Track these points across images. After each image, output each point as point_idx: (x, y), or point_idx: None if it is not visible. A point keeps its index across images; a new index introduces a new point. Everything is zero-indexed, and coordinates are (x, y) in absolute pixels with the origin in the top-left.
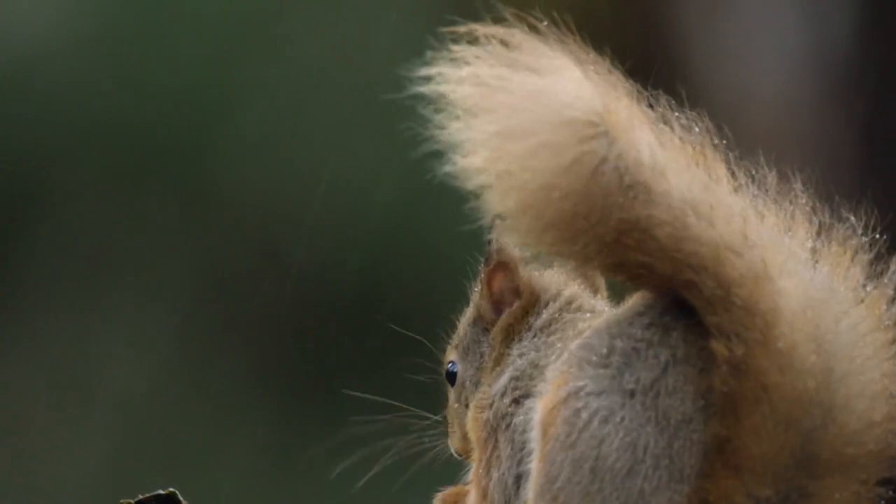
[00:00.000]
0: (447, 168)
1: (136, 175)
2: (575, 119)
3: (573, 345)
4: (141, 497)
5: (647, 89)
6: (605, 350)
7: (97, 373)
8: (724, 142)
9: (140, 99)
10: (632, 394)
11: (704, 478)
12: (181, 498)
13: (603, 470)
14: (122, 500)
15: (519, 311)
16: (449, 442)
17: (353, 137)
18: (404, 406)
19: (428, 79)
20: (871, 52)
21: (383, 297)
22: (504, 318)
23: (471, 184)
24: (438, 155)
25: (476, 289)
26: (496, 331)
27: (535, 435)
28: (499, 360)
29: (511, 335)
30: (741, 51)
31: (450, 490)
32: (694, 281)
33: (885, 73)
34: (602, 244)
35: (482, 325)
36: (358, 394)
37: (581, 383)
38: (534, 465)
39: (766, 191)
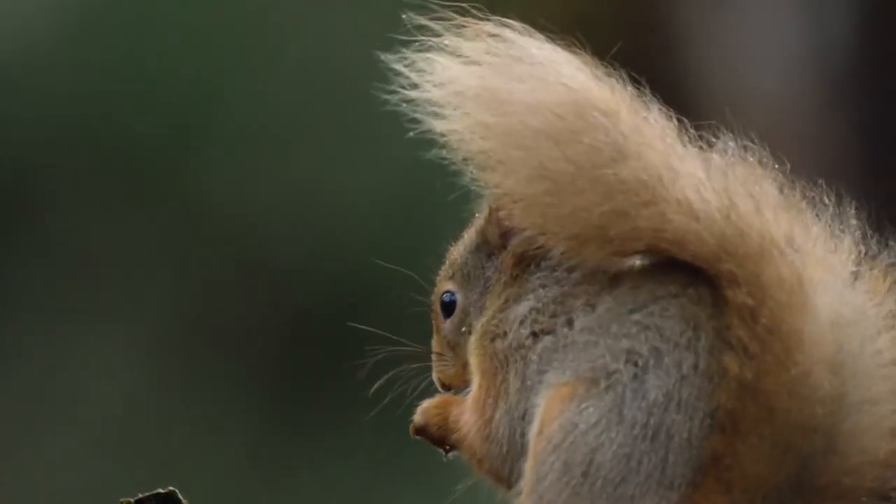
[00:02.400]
0: (443, 156)
1: (116, 185)
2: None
3: (591, 319)
4: (140, 496)
5: (647, 91)
6: (621, 362)
7: (79, 381)
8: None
9: (115, 106)
10: (634, 415)
11: (695, 488)
12: (181, 497)
13: (595, 477)
14: (122, 499)
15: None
16: (435, 374)
17: (336, 148)
18: (403, 340)
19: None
20: (871, 52)
21: (366, 303)
22: (516, 244)
23: (466, 157)
24: (423, 162)
25: (477, 215)
26: (506, 254)
27: (533, 429)
28: (511, 283)
29: (525, 259)
30: (741, 51)
31: (430, 403)
32: (735, 275)
33: (885, 73)
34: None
35: (487, 250)
36: (363, 326)
37: (585, 404)
38: (527, 462)
39: (815, 207)
